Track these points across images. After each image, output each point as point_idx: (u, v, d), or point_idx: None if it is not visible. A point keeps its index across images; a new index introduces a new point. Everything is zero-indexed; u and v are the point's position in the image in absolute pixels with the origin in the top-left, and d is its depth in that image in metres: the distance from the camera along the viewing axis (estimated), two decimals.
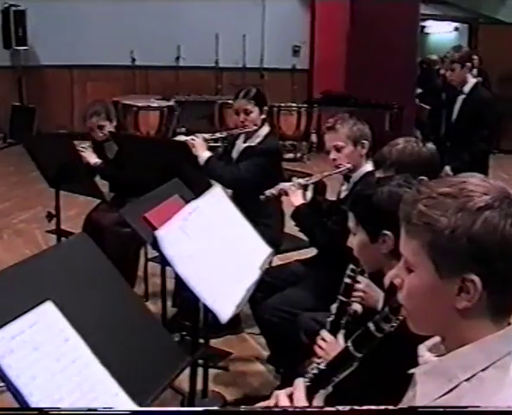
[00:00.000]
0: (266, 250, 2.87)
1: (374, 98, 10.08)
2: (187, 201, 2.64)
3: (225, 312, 2.32)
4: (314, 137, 11.08)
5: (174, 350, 2.03)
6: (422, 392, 1.34)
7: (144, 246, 4.67)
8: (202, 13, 10.54)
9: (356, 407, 1.20)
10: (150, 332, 2.00)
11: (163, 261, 2.26)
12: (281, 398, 1.47)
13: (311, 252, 4.24)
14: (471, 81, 5.44)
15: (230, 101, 10.10)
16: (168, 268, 3.86)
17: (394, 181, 2.21)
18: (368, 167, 3.44)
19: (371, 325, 1.48)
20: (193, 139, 4.08)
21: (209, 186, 3.17)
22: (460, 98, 5.44)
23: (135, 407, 1.69)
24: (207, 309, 2.80)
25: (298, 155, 10.23)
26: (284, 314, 3.27)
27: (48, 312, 1.69)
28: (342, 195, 3.53)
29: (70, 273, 1.86)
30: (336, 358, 1.51)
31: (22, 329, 1.60)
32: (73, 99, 10.49)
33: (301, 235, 4.50)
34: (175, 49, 10.68)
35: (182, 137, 4.19)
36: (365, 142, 3.42)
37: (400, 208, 1.38)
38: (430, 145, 2.85)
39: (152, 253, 4.29)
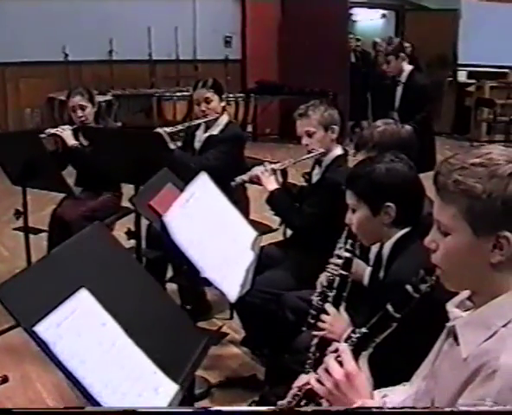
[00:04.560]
0: (253, 233, 2.95)
1: (308, 86, 10.24)
2: (179, 188, 2.69)
3: (232, 292, 2.39)
4: (250, 127, 11.17)
5: (193, 330, 2.09)
6: (465, 341, 1.48)
7: None
8: (134, 6, 10.46)
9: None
10: (170, 313, 2.05)
11: (168, 246, 2.29)
12: (331, 363, 1.55)
13: (277, 236, 4.36)
14: (407, 69, 5.69)
15: (168, 94, 10.18)
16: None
17: (387, 158, 2.34)
18: (338, 151, 3.56)
19: (409, 287, 1.58)
20: None
21: (188, 171, 3.22)
22: (399, 88, 5.69)
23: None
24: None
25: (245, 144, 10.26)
26: (267, 295, 3.36)
27: (84, 299, 1.72)
28: (314, 179, 3.63)
29: (95, 260, 1.88)
30: (376, 321, 1.60)
31: (66, 317, 1.63)
32: (7, 98, 10.21)
33: (265, 221, 4.63)
34: (107, 43, 10.53)
35: None
36: (335, 127, 3.53)
37: (434, 179, 1.52)
38: (407, 127, 3.00)
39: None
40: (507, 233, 1.42)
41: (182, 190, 2.61)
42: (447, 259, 1.51)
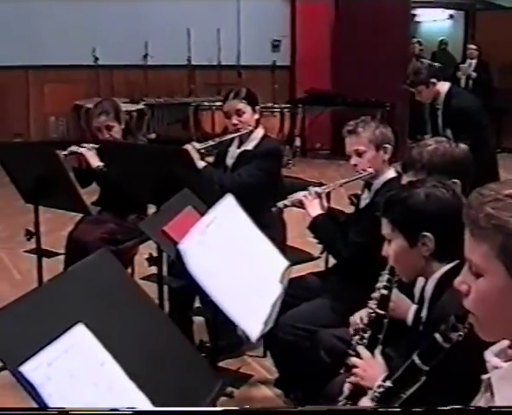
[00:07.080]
0: (284, 262, 2.94)
1: (363, 95, 10.20)
2: (200, 212, 2.70)
3: (254, 330, 2.38)
4: (298, 141, 11.15)
5: (207, 372, 2.08)
6: (501, 397, 1.43)
7: (132, 264, 4.71)
8: (172, 6, 10.57)
9: None
10: (180, 352, 2.05)
11: (185, 276, 2.31)
12: None
13: (319, 264, 4.34)
14: (443, 91, 5.59)
15: (206, 103, 10.22)
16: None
17: (429, 183, 2.31)
18: (391, 173, 3.52)
19: (438, 336, 1.55)
20: None
21: (215, 193, 3.23)
22: (439, 112, 5.64)
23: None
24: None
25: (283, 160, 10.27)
26: (300, 331, 3.34)
27: (81, 335, 1.72)
28: (363, 204, 3.60)
29: (96, 292, 1.89)
30: (402, 374, 1.57)
31: (58, 355, 1.63)
32: (29, 104, 10.39)
33: (305, 248, 4.61)
34: (142, 46, 10.67)
35: None
36: (388, 146, 3.51)
37: (465, 213, 1.48)
38: (462, 146, 2.95)
39: (145, 271, 4.32)
40: None
41: (203, 214, 2.62)
42: (480, 304, 1.47)
